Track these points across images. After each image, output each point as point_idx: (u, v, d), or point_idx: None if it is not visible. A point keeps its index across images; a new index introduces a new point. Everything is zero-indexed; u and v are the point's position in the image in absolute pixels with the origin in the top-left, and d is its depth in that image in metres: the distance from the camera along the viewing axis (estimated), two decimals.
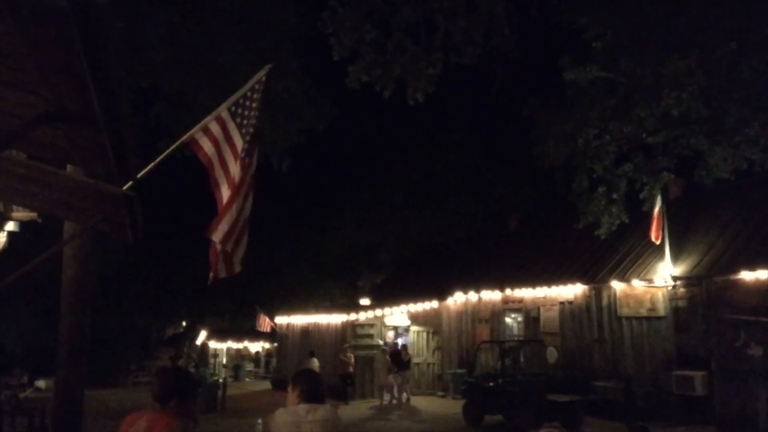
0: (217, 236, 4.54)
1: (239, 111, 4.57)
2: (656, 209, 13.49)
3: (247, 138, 4.58)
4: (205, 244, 4.82)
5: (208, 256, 4.78)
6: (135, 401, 16.10)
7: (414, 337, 21.35)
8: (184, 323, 35.16)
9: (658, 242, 13.94)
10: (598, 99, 11.23)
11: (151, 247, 24.54)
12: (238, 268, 4.89)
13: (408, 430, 13.91)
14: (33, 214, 8.98)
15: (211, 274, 4.77)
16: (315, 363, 18.65)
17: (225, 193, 4.57)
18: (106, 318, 25.51)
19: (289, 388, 3.73)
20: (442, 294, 20.05)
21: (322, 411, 3.61)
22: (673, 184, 15.45)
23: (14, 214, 9.00)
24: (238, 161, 4.55)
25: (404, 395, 18.11)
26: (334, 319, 21.26)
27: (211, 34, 10.33)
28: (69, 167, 5.27)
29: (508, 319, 18.87)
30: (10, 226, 9.16)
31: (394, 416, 16.02)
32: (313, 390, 3.68)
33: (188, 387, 3.27)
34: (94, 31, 2.08)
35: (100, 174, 3.43)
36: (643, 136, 11.11)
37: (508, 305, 18.53)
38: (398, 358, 18.13)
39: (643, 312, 14.63)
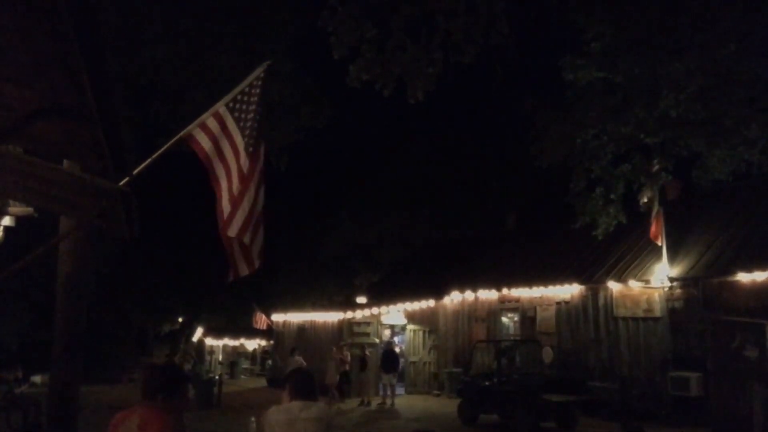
0: (232, 231, 4.31)
1: (237, 107, 4.53)
2: (655, 210, 13.51)
3: (246, 132, 4.53)
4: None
5: (226, 255, 4.51)
6: (131, 397, 16.06)
7: (410, 336, 21.36)
8: (180, 320, 35.10)
9: (658, 243, 13.95)
10: (596, 99, 11.21)
11: (147, 243, 24.48)
12: (257, 264, 4.61)
13: (402, 429, 13.90)
14: (29, 209, 8.96)
15: (231, 273, 4.51)
16: (297, 360, 18.55)
17: (225, 188, 4.50)
18: (103, 314, 25.48)
19: (282, 389, 3.79)
20: (438, 293, 20.04)
21: (316, 409, 3.61)
22: (670, 186, 15.45)
23: (10, 209, 8.98)
24: (240, 155, 4.47)
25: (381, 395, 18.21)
26: (331, 317, 21.26)
27: (208, 32, 10.30)
28: (65, 162, 5.26)
29: (504, 319, 18.89)
30: (6, 221, 9.14)
31: (387, 415, 16.03)
32: (305, 387, 3.69)
33: (175, 382, 3.26)
34: (89, 24, 2.07)
35: (97, 169, 3.42)
36: (641, 136, 11.08)
37: (504, 305, 18.54)
38: (391, 356, 18.19)
39: (640, 313, 14.66)
